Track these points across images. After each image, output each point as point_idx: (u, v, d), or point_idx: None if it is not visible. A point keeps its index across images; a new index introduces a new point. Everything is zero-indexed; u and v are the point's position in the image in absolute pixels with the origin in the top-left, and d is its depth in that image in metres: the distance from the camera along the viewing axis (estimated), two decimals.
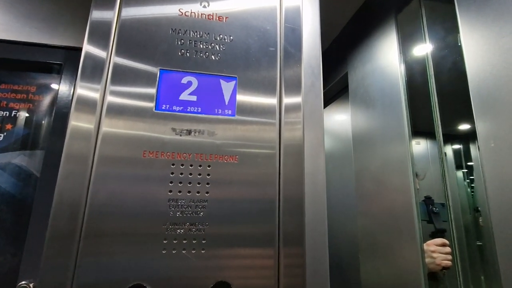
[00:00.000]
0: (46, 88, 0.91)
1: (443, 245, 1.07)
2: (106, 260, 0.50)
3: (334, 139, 1.64)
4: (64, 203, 0.51)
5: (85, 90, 0.57)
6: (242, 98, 0.62)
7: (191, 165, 0.56)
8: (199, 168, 0.57)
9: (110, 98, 0.57)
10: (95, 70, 0.58)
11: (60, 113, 0.86)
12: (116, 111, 0.57)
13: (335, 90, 1.61)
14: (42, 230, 0.51)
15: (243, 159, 0.59)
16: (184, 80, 0.60)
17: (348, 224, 1.40)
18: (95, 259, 0.50)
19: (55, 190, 0.51)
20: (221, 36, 0.65)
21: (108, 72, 0.58)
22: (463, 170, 1.49)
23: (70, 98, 0.88)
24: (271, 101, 0.63)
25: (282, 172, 0.60)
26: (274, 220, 0.57)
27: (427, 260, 1.03)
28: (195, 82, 0.60)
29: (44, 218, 0.50)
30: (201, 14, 0.65)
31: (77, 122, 0.55)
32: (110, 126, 0.56)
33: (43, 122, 0.89)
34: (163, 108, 0.58)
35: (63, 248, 0.50)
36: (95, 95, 0.57)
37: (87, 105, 0.56)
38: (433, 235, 1.12)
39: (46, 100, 0.90)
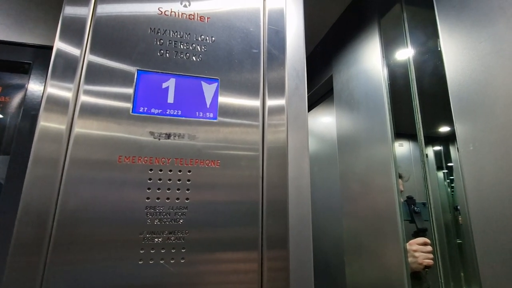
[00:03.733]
0: (13, 89, 0.84)
1: (425, 244, 1.08)
2: (76, 271, 0.47)
3: (319, 141, 1.65)
4: (30, 210, 0.47)
5: (56, 89, 0.53)
6: (225, 100, 0.60)
7: (170, 170, 0.54)
8: (178, 173, 0.54)
9: (84, 98, 0.53)
10: (67, 68, 0.54)
11: (28, 115, 0.81)
12: (90, 111, 0.53)
13: (320, 93, 1.62)
14: (5, 241, 0.47)
15: (226, 162, 0.56)
16: (163, 81, 0.57)
17: (333, 226, 1.40)
18: (64, 269, 0.46)
19: (22, 195, 0.47)
20: (202, 36, 0.62)
21: (82, 71, 0.55)
22: (443, 171, 1.53)
23: (40, 99, 0.83)
24: (254, 103, 0.62)
25: (265, 174, 0.58)
26: (257, 224, 0.56)
27: (410, 259, 1.04)
28: (175, 84, 0.58)
29: (8, 228, 0.46)
30: (182, 13, 0.62)
31: (47, 122, 0.51)
32: (83, 128, 0.52)
33: (9, 125, 0.83)
34: (140, 110, 0.55)
35: (29, 258, 0.46)
36: (67, 94, 0.53)
37: (58, 104, 0.52)
38: (415, 235, 1.14)
39: (13, 101, 0.83)
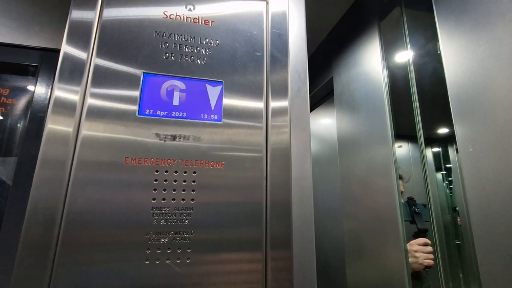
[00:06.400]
0: (20, 91, 0.85)
1: (425, 244, 1.09)
2: (84, 271, 0.47)
3: (319, 143, 1.65)
4: (38, 211, 0.48)
5: (64, 92, 0.53)
6: (229, 102, 0.61)
7: (175, 172, 0.54)
8: (184, 174, 0.55)
9: (90, 101, 0.54)
10: (74, 71, 0.55)
11: (36, 117, 0.81)
12: (97, 114, 0.54)
13: (321, 94, 1.63)
14: (14, 242, 0.47)
15: (230, 163, 0.57)
16: (169, 84, 0.58)
17: (333, 227, 1.41)
18: (71, 270, 0.47)
19: (30, 196, 0.48)
20: (207, 40, 0.63)
21: (89, 74, 0.55)
22: (442, 172, 1.54)
23: (47, 101, 0.83)
24: (258, 105, 0.62)
25: (269, 175, 0.59)
26: (261, 224, 0.56)
27: (410, 259, 1.04)
28: (180, 87, 0.58)
29: (16, 229, 0.46)
30: (187, 17, 0.63)
31: (55, 125, 0.52)
32: (90, 130, 0.53)
33: (16, 127, 0.83)
34: (146, 112, 0.55)
35: (37, 259, 0.46)
36: (74, 97, 0.54)
37: (65, 107, 0.53)
38: (416, 235, 1.15)
39: (20, 103, 0.84)
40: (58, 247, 0.47)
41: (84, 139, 0.52)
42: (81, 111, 0.53)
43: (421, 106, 1.04)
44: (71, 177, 0.50)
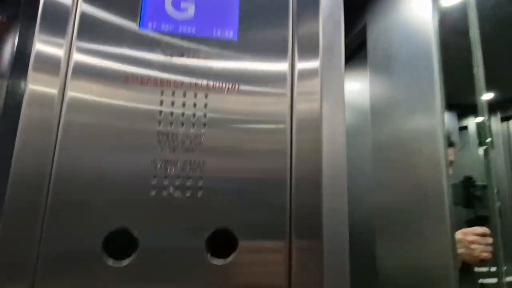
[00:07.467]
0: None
1: (484, 235, 1.09)
2: (80, 207, 0.52)
3: (347, 109, 1.66)
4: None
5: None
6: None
7: (184, 94, 0.58)
8: (194, 98, 0.58)
9: (84, 6, 0.58)
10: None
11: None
12: (91, 30, 0.58)
13: (350, 48, 1.61)
14: None
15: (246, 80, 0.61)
16: None
17: (360, 205, 1.40)
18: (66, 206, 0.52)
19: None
20: None
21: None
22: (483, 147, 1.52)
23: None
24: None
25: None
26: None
27: (463, 250, 1.05)
28: None
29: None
30: None
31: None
32: (83, 49, 0.57)
33: None
34: (149, 26, 0.59)
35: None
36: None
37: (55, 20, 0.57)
38: (471, 223, 1.13)
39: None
40: (51, 183, 0.52)
41: (75, 66, 0.57)
42: (73, 29, 0.58)
43: (485, 62, 1.00)
44: (65, 99, 0.55)
